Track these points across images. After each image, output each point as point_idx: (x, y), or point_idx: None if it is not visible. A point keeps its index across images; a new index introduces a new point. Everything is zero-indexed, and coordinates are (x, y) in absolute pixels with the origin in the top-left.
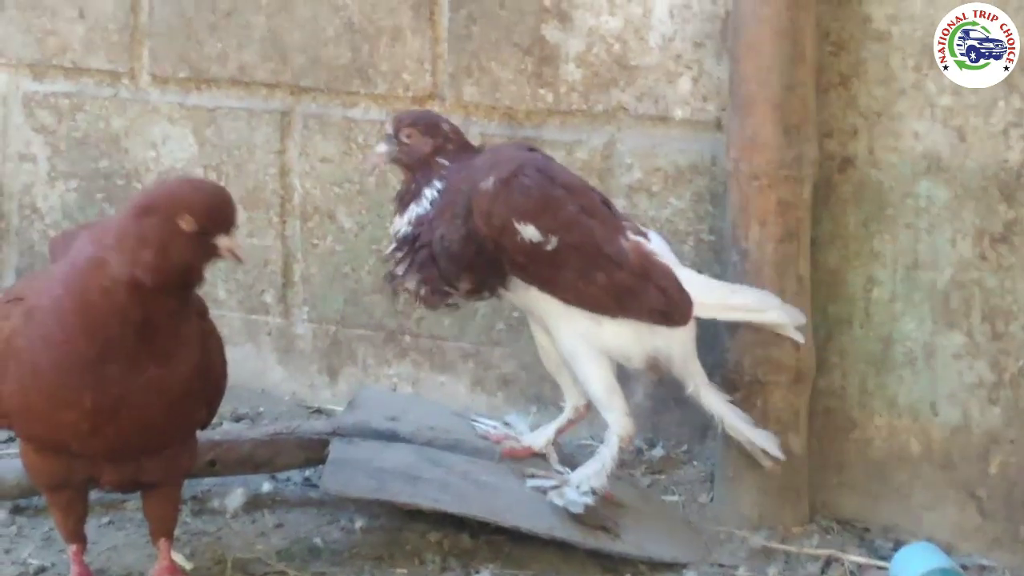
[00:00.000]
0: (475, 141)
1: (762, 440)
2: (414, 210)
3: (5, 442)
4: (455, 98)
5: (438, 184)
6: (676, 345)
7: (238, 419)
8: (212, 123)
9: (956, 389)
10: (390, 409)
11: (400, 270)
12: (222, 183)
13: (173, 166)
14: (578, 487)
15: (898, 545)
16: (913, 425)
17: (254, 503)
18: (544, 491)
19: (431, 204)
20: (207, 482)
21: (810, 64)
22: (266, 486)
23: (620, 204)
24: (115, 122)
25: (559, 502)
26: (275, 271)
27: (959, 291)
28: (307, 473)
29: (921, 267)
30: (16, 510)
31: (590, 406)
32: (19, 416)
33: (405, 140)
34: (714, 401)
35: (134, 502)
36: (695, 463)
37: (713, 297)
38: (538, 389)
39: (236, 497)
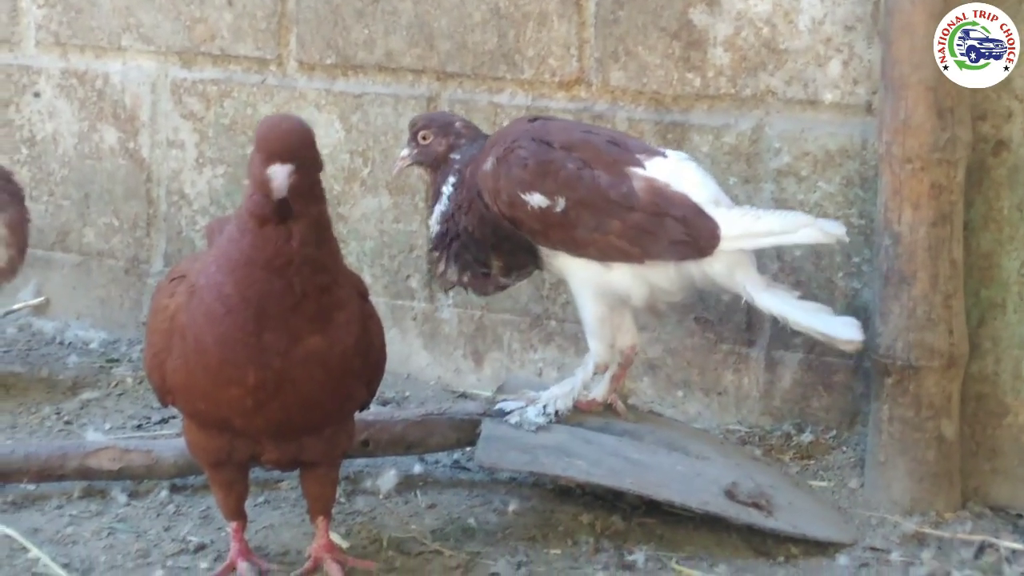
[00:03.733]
0: (622, 126)
1: (834, 329)
2: (438, 210)
3: (158, 423)
4: (602, 83)
5: (452, 179)
6: (713, 263)
7: (384, 403)
8: (359, 109)
9: None
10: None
11: (441, 267)
12: (368, 169)
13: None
14: (544, 407)
15: None
16: None
17: (406, 484)
18: (507, 413)
19: (449, 200)
20: (358, 463)
21: None
22: (417, 468)
23: (768, 188)
24: (262, 108)
25: (514, 421)
26: (420, 256)
27: None
28: (456, 456)
29: None
30: (174, 489)
31: (635, 347)
32: (183, 392)
33: (422, 141)
34: (771, 302)
35: (288, 481)
36: (844, 449)
37: (737, 227)
38: (685, 374)
39: (389, 478)
